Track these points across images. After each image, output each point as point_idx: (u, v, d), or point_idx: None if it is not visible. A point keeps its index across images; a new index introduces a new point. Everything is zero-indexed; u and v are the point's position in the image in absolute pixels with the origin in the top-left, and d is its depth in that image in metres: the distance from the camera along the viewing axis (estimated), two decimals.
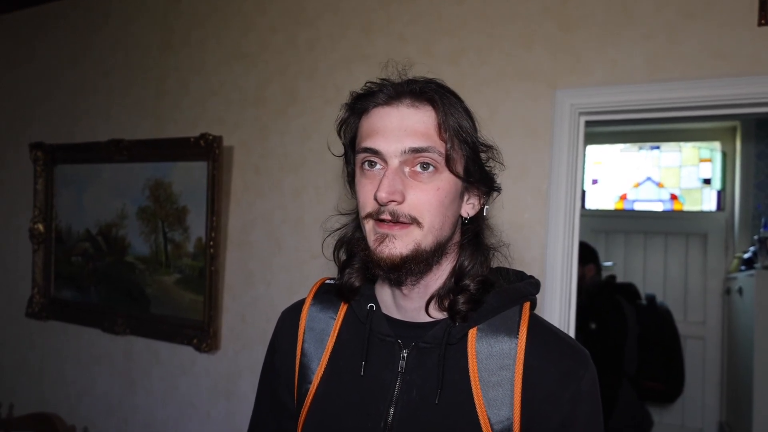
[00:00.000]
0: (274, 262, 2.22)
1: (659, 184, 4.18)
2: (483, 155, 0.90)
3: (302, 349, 0.97)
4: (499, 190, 0.94)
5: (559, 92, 1.83)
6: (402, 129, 0.83)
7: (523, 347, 0.85)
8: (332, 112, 2.12)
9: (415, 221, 0.82)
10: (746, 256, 3.18)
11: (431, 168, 0.83)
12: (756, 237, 3.08)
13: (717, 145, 4.02)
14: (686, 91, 1.68)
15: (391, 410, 0.86)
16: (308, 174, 2.18)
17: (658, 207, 4.16)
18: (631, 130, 4.19)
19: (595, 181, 4.36)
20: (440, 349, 0.86)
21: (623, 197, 4.27)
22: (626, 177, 4.27)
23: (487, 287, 0.88)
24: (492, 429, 0.82)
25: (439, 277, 0.89)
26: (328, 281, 1.04)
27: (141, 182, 2.46)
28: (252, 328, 2.24)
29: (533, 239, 1.84)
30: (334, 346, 0.94)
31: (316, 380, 0.92)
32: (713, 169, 4.04)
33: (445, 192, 0.84)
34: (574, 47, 1.82)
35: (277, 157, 2.25)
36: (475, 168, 0.88)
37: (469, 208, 0.91)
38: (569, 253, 1.83)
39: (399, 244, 0.82)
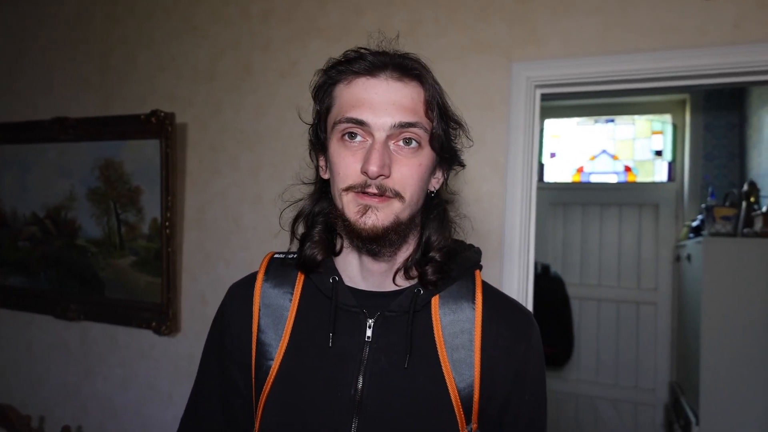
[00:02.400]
0: (233, 241, 2.18)
1: (614, 157, 4.28)
2: (453, 131, 0.93)
3: (259, 326, 0.95)
4: (463, 165, 0.98)
5: (515, 65, 1.83)
6: (390, 102, 0.83)
7: (480, 311, 0.92)
8: (288, 87, 2.10)
9: (398, 195, 0.84)
10: (694, 224, 3.29)
11: (414, 144, 0.85)
12: (703, 206, 3.19)
13: (668, 117, 4.13)
14: (637, 63, 1.71)
15: (360, 379, 0.87)
16: (265, 150, 2.14)
17: (613, 179, 4.26)
18: (587, 104, 4.26)
19: (553, 155, 4.43)
20: (408, 315, 0.89)
21: (580, 170, 4.36)
22: (583, 150, 4.35)
23: (452, 257, 0.93)
24: (457, 388, 0.87)
25: (407, 247, 0.93)
26: (277, 255, 1.03)
27: (90, 162, 2.36)
28: (213, 309, 2.17)
29: (491, 212, 1.85)
30: (294, 321, 0.93)
31: (278, 357, 0.91)
32: (664, 141, 4.15)
33: (425, 168, 0.87)
34: (530, 19, 1.82)
35: (232, 133, 2.19)
36: (448, 145, 0.91)
37: (434, 183, 0.95)
38: (527, 225, 1.85)
39: (381, 216, 0.84)
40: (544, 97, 1.90)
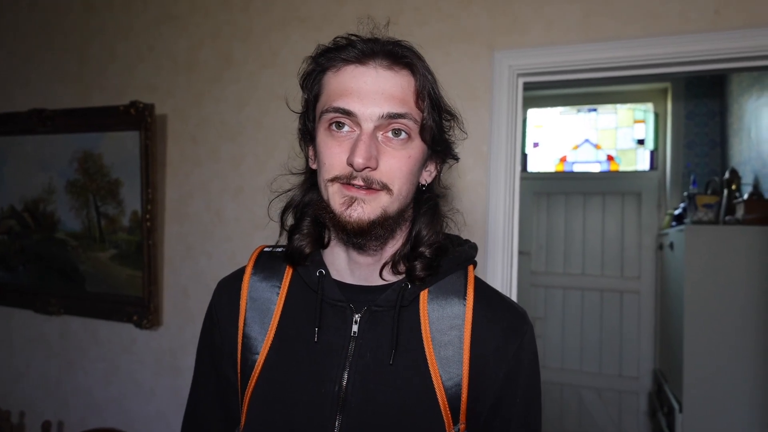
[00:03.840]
0: (215, 234, 2.16)
1: (596, 146, 4.30)
2: (446, 123, 0.90)
3: (245, 319, 0.93)
4: (457, 158, 0.96)
5: (497, 53, 1.82)
6: (379, 92, 0.81)
7: (471, 307, 0.89)
8: (269, 77, 2.08)
9: (385, 188, 0.82)
10: (677, 212, 3.32)
11: (404, 135, 0.82)
12: (685, 194, 3.22)
13: (650, 106, 4.15)
14: (619, 50, 1.71)
15: (345, 374, 0.86)
16: (247, 141, 2.12)
17: (596, 168, 4.28)
18: (570, 93, 4.27)
19: (536, 144, 4.44)
20: (394, 310, 0.87)
21: (563, 159, 4.37)
22: (566, 139, 4.37)
23: (442, 253, 0.90)
24: (444, 386, 0.85)
25: (395, 242, 0.90)
26: (266, 249, 1.01)
27: (68, 154, 2.32)
28: (195, 302, 2.18)
29: (475, 202, 1.85)
30: (281, 315, 0.92)
31: (264, 350, 0.90)
32: (646, 130, 4.17)
33: (415, 160, 0.84)
34: (512, 7, 1.81)
35: (213, 124, 2.17)
36: (441, 137, 0.88)
37: (426, 176, 0.92)
38: (510, 215, 1.85)
39: (367, 209, 0.81)
40: (527, 86, 1.90)
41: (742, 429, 2.54)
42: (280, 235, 0.97)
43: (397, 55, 0.83)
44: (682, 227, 2.89)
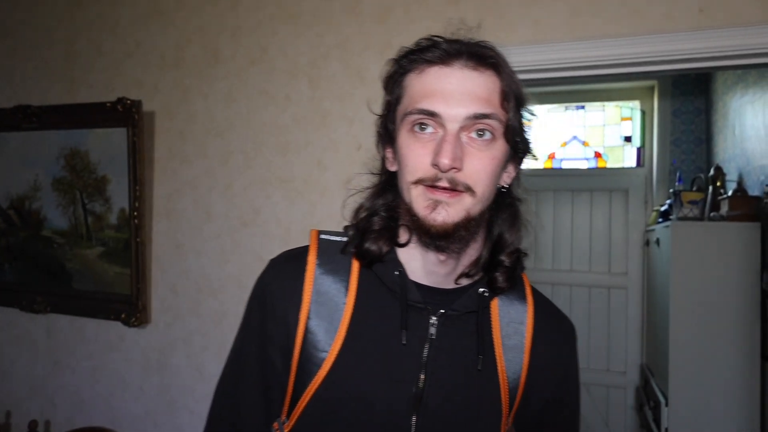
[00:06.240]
0: (204, 230, 2.16)
1: (584, 143, 4.33)
2: (526, 123, 0.89)
3: (309, 313, 0.88)
4: (536, 157, 0.96)
5: None
6: (464, 92, 0.80)
7: (531, 313, 0.93)
8: (258, 74, 2.08)
9: (469, 190, 0.80)
10: (663, 208, 3.35)
11: (488, 135, 0.81)
12: (671, 190, 3.25)
13: (637, 103, 4.19)
14: (605, 49, 1.72)
15: (422, 376, 0.85)
16: (235, 138, 2.11)
17: (584, 165, 4.31)
18: (558, 91, 4.29)
19: None
20: (475, 315, 0.88)
21: (551, 156, 4.40)
22: (554, 136, 4.39)
23: (520, 260, 0.91)
24: (508, 388, 0.89)
25: (474, 246, 0.89)
26: (324, 236, 0.94)
27: (54, 151, 2.30)
28: (183, 299, 2.18)
29: None
30: (353, 313, 0.88)
31: (335, 348, 0.86)
32: (633, 127, 4.21)
33: (498, 161, 0.83)
34: (499, 5, 1.82)
35: (201, 121, 2.16)
36: (522, 137, 0.88)
37: (506, 177, 0.91)
38: None
39: (452, 212, 0.80)
40: None
41: (727, 423, 2.58)
42: (351, 233, 0.93)
43: (482, 55, 0.82)
44: (667, 223, 2.92)
